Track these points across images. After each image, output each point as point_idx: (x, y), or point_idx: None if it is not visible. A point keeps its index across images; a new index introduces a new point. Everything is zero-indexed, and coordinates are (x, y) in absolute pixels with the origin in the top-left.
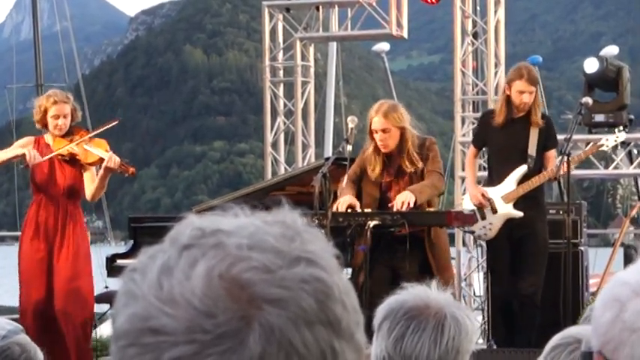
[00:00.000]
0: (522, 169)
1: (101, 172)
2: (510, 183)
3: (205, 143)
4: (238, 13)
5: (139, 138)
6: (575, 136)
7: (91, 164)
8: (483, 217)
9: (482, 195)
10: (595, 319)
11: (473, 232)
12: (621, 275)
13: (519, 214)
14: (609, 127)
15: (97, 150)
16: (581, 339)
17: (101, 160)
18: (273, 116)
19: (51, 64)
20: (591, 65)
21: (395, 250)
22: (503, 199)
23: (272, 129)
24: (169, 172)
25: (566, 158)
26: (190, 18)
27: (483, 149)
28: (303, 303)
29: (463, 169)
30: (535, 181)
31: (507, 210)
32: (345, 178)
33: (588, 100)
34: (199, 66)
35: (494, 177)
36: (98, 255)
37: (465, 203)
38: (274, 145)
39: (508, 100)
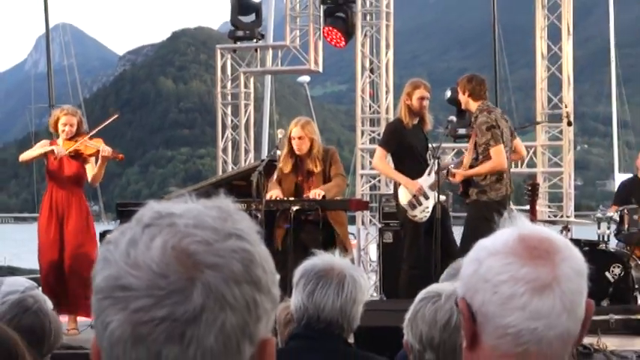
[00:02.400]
0: (435, 164)
1: (99, 160)
2: (431, 175)
3: (174, 149)
4: (200, 53)
5: (125, 144)
6: (444, 145)
7: (90, 155)
8: (420, 204)
9: (419, 186)
10: (461, 273)
11: (415, 217)
12: (482, 241)
13: (443, 197)
14: (469, 138)
15: (94, 144)
16: (442, 293)
17: (98, 151)
18: (223, 129)
19: (60, 90)
20: (447, 94)
21: (308, 228)
22: (429, 188)
23: (222, 138)
24: (148, 170)
25: (436, 161)
26: (164, 56)
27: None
28: (233, 267)
29: (363, 169)
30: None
31: (435, 195)
32: (274, 176)
33: (453, 118)
34: (170, 92)
35: (407, 172)
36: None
37: (401, 195)
38: (224, 150)
39: (409, 108)
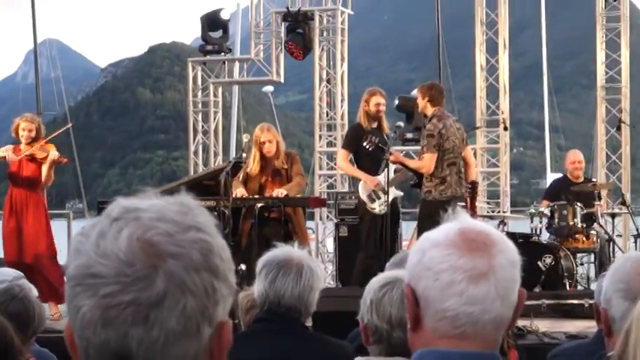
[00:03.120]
0: (384, 162)
1: (47, 163)
2: (390, 172)
3: (152, 152)
4: (174, 65)
5: (107, 149)
6: (393, 148)
7: (43, 159)
8: (378, 197)
9: (379, 182)
10: (408, 262)
11: (374, 209)
12: (427, 233)
13: (400, 193)
14: (415, 141)
15: (46, 149)
16: (402, 278)
17: (47, 156)
18: (195, 134)
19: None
20: (396, 102)
21: (271, 223)
22: (390, 183)
23: (194, 143)
24: (127, 172)
25: (386, 162)
26: (142, 69)
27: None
28: (193, 256)
29: (321, 169)
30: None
31: (393, 191)
32: (240, 176)
33: (401, 123)
34: (148, 101)
35: (366, 171)
36: (78, 227)
37: (361, 190)
38: (195, 153)
39: (367, 114)
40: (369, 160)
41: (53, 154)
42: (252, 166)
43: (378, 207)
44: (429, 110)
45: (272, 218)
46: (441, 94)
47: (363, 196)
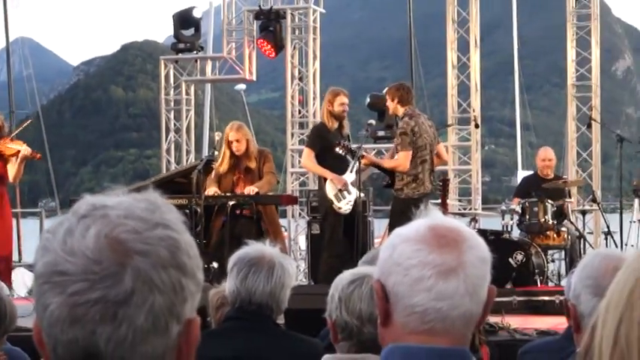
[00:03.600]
0: (355, 163)
1: (19, 159)
2: (353, 173)
3: (124, 150)
4: (146, 64)
5: (80, 146)
6: (365, 145)
7: (11, 155)
8: (344, 197)
9: (345, 181)
10: (379, 258)
11: (340, 208)
12: (398, 229)
13: (362, 194)
14: (387, 139)
15: (15, 145)
16: (371, 274)
17: (19, 151)
18: (167, 132)
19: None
20: (368, 100)
21: (243, 221)
22: (352, 183)
23: (166, 141)
24: (100, 170)
25: (357, 160)
26: (114, 67)
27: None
28: (161, 253)
29: (293, 167)
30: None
31: (356, 191)
32: (213, 174)
33: (373, 121)
34: (120, 99)
35: (330, 170)
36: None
37: (328, 189)
38: (167, 151)
39: (330, 113)
40: (333, 160)
41: (26, 149)
42: (223, 164)
43: (344, 206)
44: (400, 111)
45: (244, 216)
46: (409, 93)
47: (330, 195)
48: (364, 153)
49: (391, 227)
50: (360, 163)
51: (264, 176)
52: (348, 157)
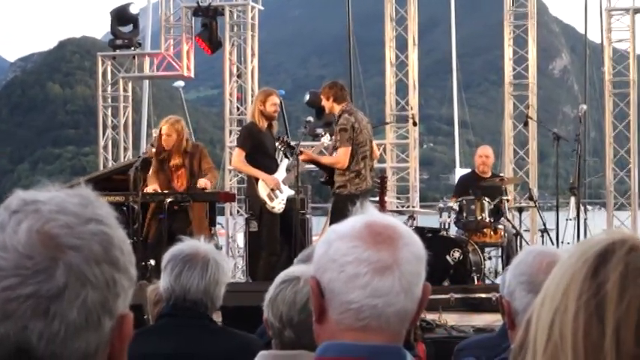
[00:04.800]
0: (285, 161)
1: None
2: (282, 171)
3: (62, 147)
4: (84, 60)
5: (17, 144)
6: (304, 143)
7: None
8: (277, 196)
9: (277, 181)
10: (314, 255)
11: (274, 208)
12: (334, 226)
13: (293, 192)
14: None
15: None
16: (300, 277)
17: None
18: (104, 129)
19: None
20: (307, 97)
21: (177, 217)
22: (283, 181)
23: (103, 137)
24: (37, 167)
25: (296, 158)
26: (52, 63)
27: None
28: (93, 248)
29: (231, 164)
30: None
31: (288, 190)
32: (151, 171)
33: (311, 118)
34: (57, 96)
35: (261, 169)
36: None
37: (260, 189)
38: (105, 148)
39: (262, 113)
40: (264, 159)
41: None
42: (153, 158)
43: (277, 205)
44: (336, 108)
45: (180, 212)
46: (342, 90)
47: (263, 195)
48: (302, 149)
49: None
50: (298, 160)
51: (206, 172)
52: (287, 153)
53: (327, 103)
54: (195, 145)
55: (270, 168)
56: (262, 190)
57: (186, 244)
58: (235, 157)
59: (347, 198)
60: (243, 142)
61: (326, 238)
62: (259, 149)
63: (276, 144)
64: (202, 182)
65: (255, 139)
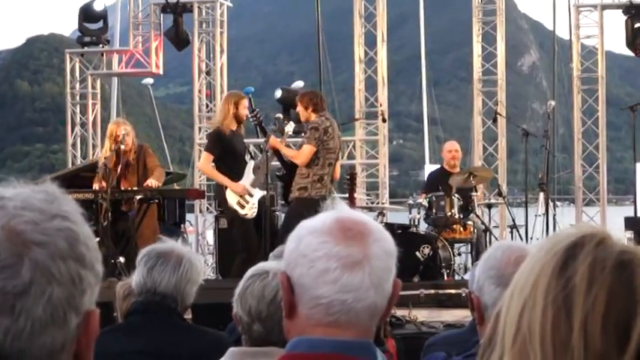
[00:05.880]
0: (251, 163)
1: None
2: (250, 174)
3: (30, 145)
4: (52, 57)
5: None
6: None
7: None
8: (247, 202)
9: (244, 187)
10: (285, 249)
11: (246, 215)
12: (305, 221)
13: (264, 192)
14: (295, 133)
15: None
16: (269, 271)
17: None
18: (73, 126)
19: None
20: (278, 93)
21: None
22: (252, 186)
23: (72, 135)
24: (6, 164)
25: (265, 154)
26: (20, 60)
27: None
28: (59, 244)
29: (198, 166)
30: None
31: (258, 192)
32: (99, 171)
33: (280, 115)
34: (26, 93)
35: (231, 173)
36: None
37: (229, 198)
38: (73, 145)
39: (234, 116)
40: (234, 163)
41: None
42: (108, 159)
43: (249, 212)
44: (312, 118)
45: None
46: (323, 101)
47: (233, 203)
48: (272, 135)
49: (286, 229)
50: (267, 156)
51: (153, 170)
52: (257, 128)
53: (303, 112)
54: (140, 146)
55: (240, 172)
56: (231, 199)
57: (164, 243)
58: (203, 161)
59: (305, 202)
60: (212, 146)
61: (296, 234)
62: (229, 153)
63: (250, 116)
64: (150, 182)
65: (225, 144)
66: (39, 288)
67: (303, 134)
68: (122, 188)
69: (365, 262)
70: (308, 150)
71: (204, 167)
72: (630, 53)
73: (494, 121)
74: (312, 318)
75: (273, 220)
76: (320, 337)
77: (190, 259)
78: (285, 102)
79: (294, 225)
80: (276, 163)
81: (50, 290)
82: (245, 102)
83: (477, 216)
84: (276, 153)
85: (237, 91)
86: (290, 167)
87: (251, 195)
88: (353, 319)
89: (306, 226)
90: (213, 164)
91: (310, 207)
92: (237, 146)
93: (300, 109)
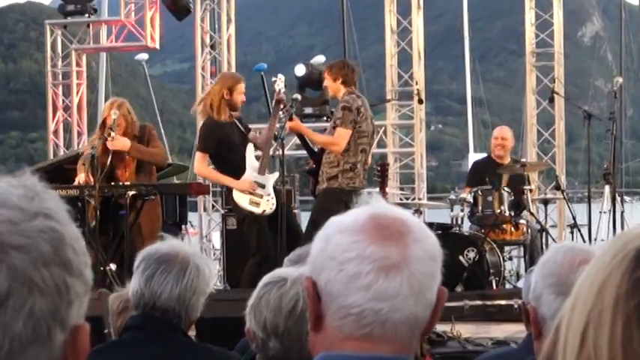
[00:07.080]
0: (250, 147)
1: None
2: (252, 161)
3: (4, 133)
4: (29, 30)
5: None
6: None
7: None
8: (260, 197)
9: (250, 182)
10: (311, 251)
11: (264, 212)
12: (334, 218)
13: (276, 174)
14: (316, 117)
15: None
16: (287, 278)
17: None
18: (54, 110)
19: None
20: (300, 70)
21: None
22: (259, 174)
23: (53, 120)
24: None
25: (280, 142)
26: None
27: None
28: (41, 248)
29: (194, 169)
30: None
31: (269, 178)
32: (82, 159)
33: (298, 96)
34: None
35: (232, 169)
36: None
37: (239, 199)
38: (55, 133)
39: (228, 103)
40: (234, 156)
41: None
42: (98, 144)
43: (267, 207)
44: (342, 92)
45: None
46: (354, 72)
47: (245, 204)
48: (295, 116)
49: (314, 225)
50: (283, 143)
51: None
52: (276, 109)
53: (332, 85)
54: (143, 126)
55: (243, 166)
56: (242, 200)
57: (165, 243)
58: (197, 163)
59: (335, 193)
60: (205, 144)
61: (324, 233)
62: (224, 145)
63: (273, 101)
64: (118, 145)
65: (218, 136)
66: (18, 299)
67: (326, 118)
68: (119, 183)
69: (403, 265)
70: (344, 133)
71: (200, 170)
72: None
73: (551, 101)
74: (341, 330)
75: (291, 219)
76: (350, 353)
77: (197, 265)
78: (310, 82)
79: (322, 221)
80: (295, 152)
81: (31, 301)
82: (242, 86)
83: (531, 213)
84: (301, 139)
85: (234, 73)
86: (319, 156)
87: (262, 186)
88: (389, 332)
89: (335, 223)
90: (211, 165)
91: (340, 200)
92: (232, 135)
93: (327, 81)
